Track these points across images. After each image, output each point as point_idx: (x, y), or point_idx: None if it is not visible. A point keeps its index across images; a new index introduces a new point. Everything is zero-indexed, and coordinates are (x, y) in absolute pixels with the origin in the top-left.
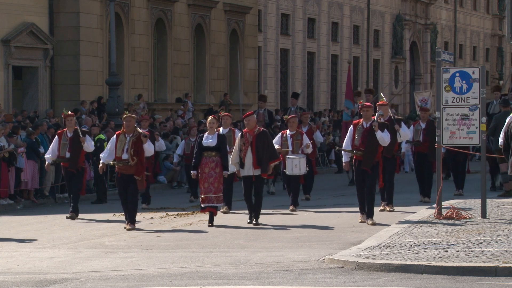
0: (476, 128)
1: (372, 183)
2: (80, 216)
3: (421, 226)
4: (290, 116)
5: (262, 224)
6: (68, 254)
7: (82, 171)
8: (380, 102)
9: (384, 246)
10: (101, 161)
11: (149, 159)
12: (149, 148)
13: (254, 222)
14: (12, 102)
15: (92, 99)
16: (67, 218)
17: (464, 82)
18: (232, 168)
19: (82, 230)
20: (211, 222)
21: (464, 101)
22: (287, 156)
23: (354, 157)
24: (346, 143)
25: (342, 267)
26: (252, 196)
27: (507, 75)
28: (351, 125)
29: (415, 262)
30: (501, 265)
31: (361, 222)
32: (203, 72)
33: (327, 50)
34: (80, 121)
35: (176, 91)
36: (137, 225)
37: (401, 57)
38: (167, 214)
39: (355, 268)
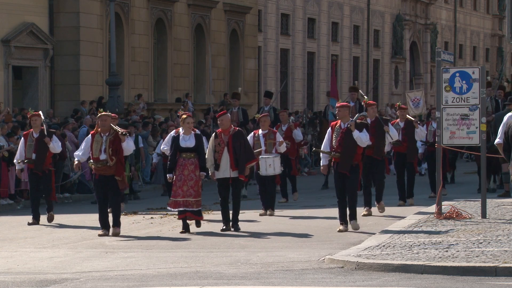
0: (476, 128)
1: (353, 186)
2: (80, 216)
3: (421, 226)
4: (261, 114)
5: (243, 231)
6: (68, 254)
7: (49, 173)
8: (369, 102)
9: (384, 246)
10: (75, 159)
11: None
12: (128, 147)
13: (233, 228)
14: (12, 102)
15: (92, 99)
16: (29, 224)
17: (464, 82)
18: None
19: (82, 230)
20: (186, 228)
21: (464, 101)
22: (260, 156)
23: (333, 160)
24: (325, 145)
25: (342, 267)
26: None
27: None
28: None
29: (415, 262)
30: (501, 265)
31: (340, 231)
32: (203, 72)
33: (327, 50)
34: (80, 121)
35: (176, 91)
36: (137, 225)
37: (401, 57)
38: (167, 214)
39: (355, 268)
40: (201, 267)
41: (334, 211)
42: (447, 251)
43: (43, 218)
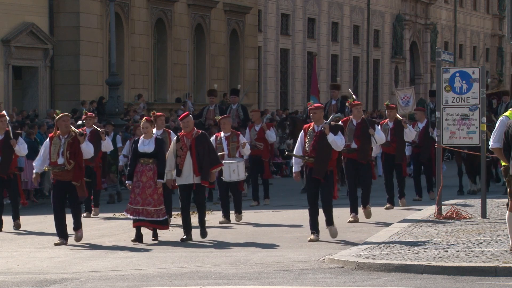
0: (476, 128)
1: (327, 193)
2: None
3: (421, 226)
4: (222, 116)
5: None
6: (68, 254)
7: (14, 177)
8: (354, 102)
9: (384, 246)
10: (34, 171)
11: (95, 162)
12: (87, 149)
13: (201, 234)
14: (12, 102)
15: (92, 99)
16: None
17: (464, 82)
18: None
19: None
20: (138, 238)
21: (464, 101)
22: (224, 161)
23: (305, 164)
24: (297, 149)
25: (342, 267)
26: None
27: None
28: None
29: (415, 262)
30: (501, 265)
31: (311, 241)
32: (203, 72)
33: (327, 50)
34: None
35: (176, 91)
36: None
37: (401, 57)
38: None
39: (355, 268)
40: (201, 267)
41: (335, 211)
42: (447, 251)
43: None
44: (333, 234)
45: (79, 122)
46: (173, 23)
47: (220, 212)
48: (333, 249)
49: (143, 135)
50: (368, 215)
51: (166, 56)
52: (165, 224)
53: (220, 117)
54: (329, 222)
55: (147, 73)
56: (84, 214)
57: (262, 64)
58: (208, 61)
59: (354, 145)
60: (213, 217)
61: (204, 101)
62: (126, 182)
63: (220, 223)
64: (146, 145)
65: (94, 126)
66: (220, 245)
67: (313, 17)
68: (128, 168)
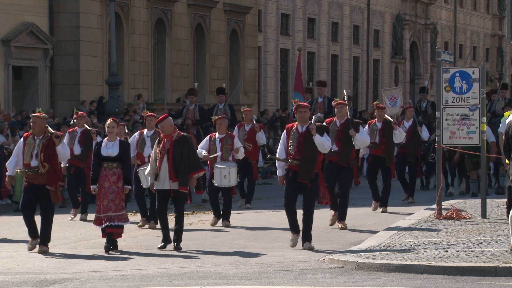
0: (476, 128)
1: (310, 199)
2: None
3: (421, 226)
4: (218, 117)
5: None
6: (68, 254)
7: None
8: (338, 101)
9: (384, 246)
10: (7, 173)
11: (87, 162)
12: (63, 151)
13: (175, 245)
14: (12, 102)
15: (92, 99)
16: None
17: (464, 82)
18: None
19: (82, 230)
20: (114, 246)
21: (464, 101)
22: (215, 165)
23: (288, 167)
24: (279, 151)
25: (342, 267)
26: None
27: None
28: (284, 131)
29: (415, 262)
30: (501, 265)
31: (293, 245)
32: (203, 72)
33: (327, 50)
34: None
35: (176, 91)
36: (137, 226)
37: (401, 57)
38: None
39: (355, 268)
40: (201, 267)
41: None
42: (447, 251)
43: None
44: (310, 249)
45: (71, 122)
46: (173, 23)
47: None
48: (333, 249)
49: (106, 137)
50: (343, 226)
51: (166, 56)
52: (120, 229)
53: (217, 117)
54: (307, 237)
55: (147, 73)
56: (75, 216)
57: (262, 64)
58: (208, 61)
59: (335, 148)
60: (212, 217)
61: (203, 101)
62: (91, 187)
63: (211, 225)
64: (109, 148)
65: (85, 125)
66: (220, 245)
67: (313, 17)
68: (91, 172)
